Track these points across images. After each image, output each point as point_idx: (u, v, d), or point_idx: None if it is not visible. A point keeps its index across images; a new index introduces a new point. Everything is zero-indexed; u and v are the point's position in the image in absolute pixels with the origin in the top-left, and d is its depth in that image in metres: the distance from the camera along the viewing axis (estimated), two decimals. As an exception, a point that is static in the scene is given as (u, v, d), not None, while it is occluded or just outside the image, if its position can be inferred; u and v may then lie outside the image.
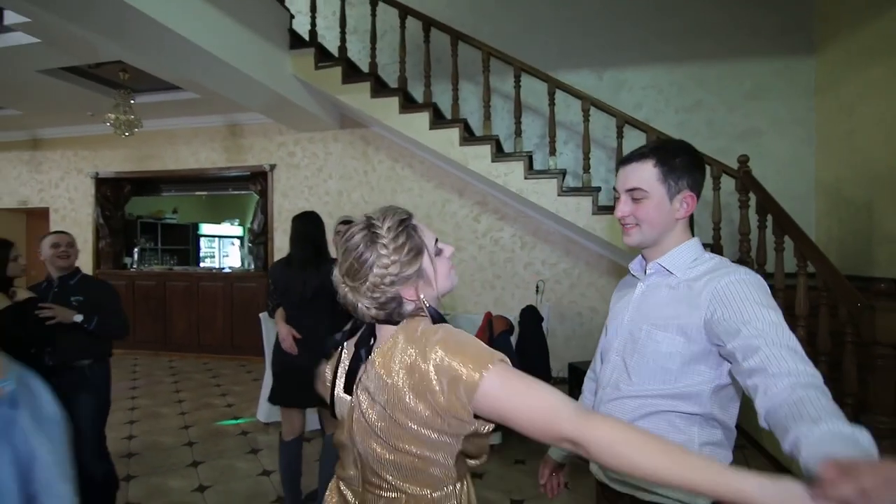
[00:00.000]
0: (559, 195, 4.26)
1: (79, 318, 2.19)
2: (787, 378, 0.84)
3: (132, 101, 5.00)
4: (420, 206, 5.49)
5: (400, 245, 0.89)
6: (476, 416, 0.83)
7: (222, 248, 9.30)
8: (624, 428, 0.73)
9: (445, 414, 0.82)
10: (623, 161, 1.14)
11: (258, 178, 6.09)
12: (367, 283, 0.88)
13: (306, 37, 4.69)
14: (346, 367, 0.95)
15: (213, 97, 5.22)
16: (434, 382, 0.81)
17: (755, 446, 3.51)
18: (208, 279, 6.35)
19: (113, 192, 6.67)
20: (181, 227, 8.45)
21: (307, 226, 2.62)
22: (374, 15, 4.62)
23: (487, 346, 0.85)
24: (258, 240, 6.14)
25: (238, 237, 9.60)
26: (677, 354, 1.02)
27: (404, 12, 4.49)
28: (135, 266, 6.92)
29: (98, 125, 6.40)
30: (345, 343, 1.00)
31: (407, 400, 0.84)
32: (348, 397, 0.94)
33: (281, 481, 2.55)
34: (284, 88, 4.56)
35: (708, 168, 3.88)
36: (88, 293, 2.34)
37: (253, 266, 6.36)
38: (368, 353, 0.93)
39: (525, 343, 3.97)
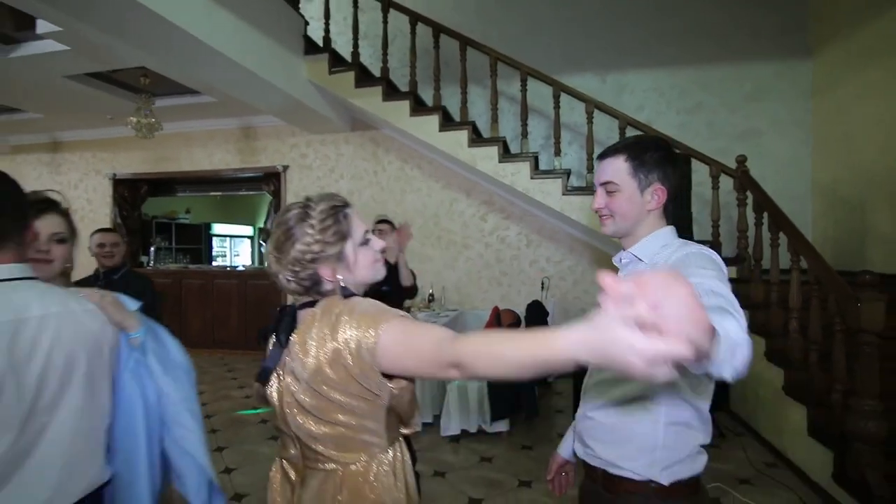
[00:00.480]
0: (564, 194, 4.42)
1: None
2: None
3: (153, 105, 5.19)
4: (428, 206, 5.68)
5: (326, 227, 0.97)
6: (387, 376, 0.89)
7: (233, 247, 9.51)
8: (483, 334, 0.78)
9: (361, 379, 0.89)
10: (599, 156, 1.20)
11: (271, 179, 6.29)
12: (290, 257, 0.96)
13: (320, 43, 4.87)
14: (266, 356, 1.01)
15: (228, 101, 5.41)
16: (344, 351, 0.88)
17: (751, 433, 3.66)
18: (223, 277, 6.55)
19: (130, 193, 6.88)
20: (194, 226, 8.66)
21: None
22: (385, 22, 4.80)
23: (389, 308, 0.91)
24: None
25: (248, 236, 9.82)
26: None
27: (415, 19, 4.67)
28: (151, 264, 7.13)
29: (116, 128, 6.62)
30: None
31: (327, 372, 0.90)
32: (275, 384, 1.00)
33: None
34: (299, 92, 4.75)
35: (707, 168, 4.06)
36: (129, 288, 2.51)
37: (266, 264, 6.55)
38: (288, 338, 0.97)
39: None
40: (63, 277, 1.48)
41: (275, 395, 1.01)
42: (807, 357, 3.03)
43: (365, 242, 1.03)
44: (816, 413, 2.89)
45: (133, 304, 1.38)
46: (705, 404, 1.10)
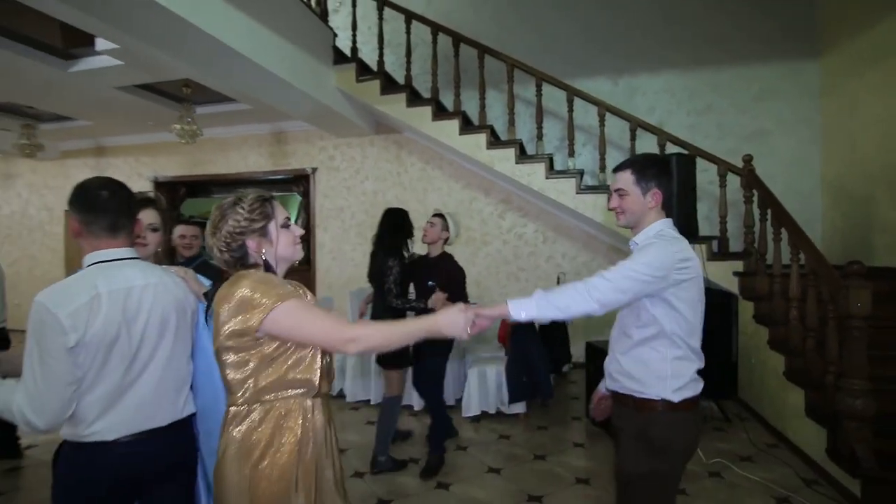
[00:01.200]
0: (577, 193, 4.68)
1: None
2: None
3: (194, 113, 5.60)
4: (449, 204, 5.97)
5: (252, 209, 1.26)
6: (269, 336, 1.17)
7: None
8: (373, 325, 1.26)
9: (244, 334, 1.16)
10: (614, 169, 1.65)
11: (301, 180, 6.67)
12: (223, 232, 1.24)
13: (348, 53, 5.21)
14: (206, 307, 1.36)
15: (261, 107, 5.80)
16: (237, 308, 1.15)
17: (756, 418, 3.87)
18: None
19: (169, 195, 7.34)
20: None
21: (382, 220, 3.06)
22: (408, 32, 5.11)
23: (288, 288, 1.22)
24: (301, 237, 6.70)
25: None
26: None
27: (436, 29, 4.98)
28: (188, 261, 7.58)
29: (157, 133, 7.09)
30: None
31: (227, 325, 1.16)
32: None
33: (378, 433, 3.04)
34: (329, 99, 5.09)
35: (715, 167, 4.28)
36: (205, 274, 2.86)
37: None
38: (210, 298, 1.30)
39: (547, 329, 4.40)
40: (154, 258, 1.83)
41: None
42: (805, 344, 3.24)
43: (286, 226, 1.33)
44: (813, 395, 3.10)
45: (206, 283, 1.73)
46: (696, 342, 1.53)
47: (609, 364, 1.64)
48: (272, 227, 1.29)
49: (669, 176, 1.61)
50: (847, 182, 4.68)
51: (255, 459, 1.18)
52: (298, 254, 1.39)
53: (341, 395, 4.31)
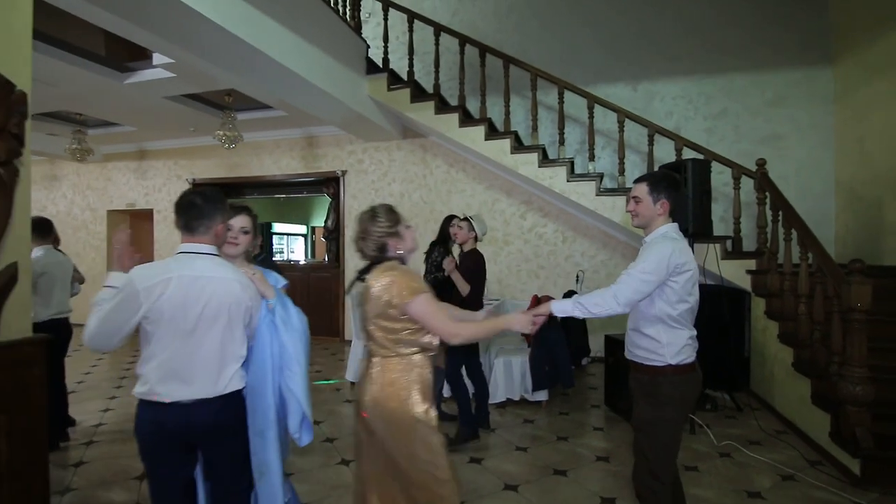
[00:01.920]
0: (597, 195, 4.94)
1: None
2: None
3: (235, 120, 5.99)
4: (472, 206, 6.27)
5: (387, 219, 1.78)
6: (404, 316, 1.65)
7: (290, 244, 10.40)
8: (468, 325, 1.81)
9: (390, 308, 1.64)
10: (634, 181, 2.05)
11: (331, 183, 7.03)
12: (373, 237, 1.77)
13: (380, 63, 5.54)
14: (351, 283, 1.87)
15: (295, 114, 6.17)
16: (392, 288, 1.64)
17: (767, 408, 4.10)
18: (287, 269, 7.33)
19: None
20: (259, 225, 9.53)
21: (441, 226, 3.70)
22: (437, 44, 5.43)
23: (424, 284, 1.69)
24: (331, 236, 7.07)
25: (303, 234, 10.70)
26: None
27: (463, 41, 5.29)
28: (223, 259, 8.01)
29: (195, 138, 7.52)
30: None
31: (377, 299, 1.66)
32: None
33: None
34: (361, 107, 5.43)
35: (729, 170, 4.51)
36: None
37: (326, 258, 7.30)
38: (364, 278, 1.76)
39: (568, 323, 4.68)
40: (245, 256, 2.15)
41: (364, 316, 1.77)
42: (811, 336, 3.47)
43: (407, 227, 1.85)
44: (818, 384, 3.33)
45: (281, 282, 2.06)
46: (688, 320, 1.93)
47: (627, 336, 2.04)
48: (401, 228, 1.80)
49: (678, 190, 1.97)
50: (858, 185, 4.87)
51: (403, 393, 1.66)
52: (416, 245, 1.89)
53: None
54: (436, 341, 1.73)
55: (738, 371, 4.56)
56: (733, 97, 5.54)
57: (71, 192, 8.65)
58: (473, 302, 3.31)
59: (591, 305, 1.83)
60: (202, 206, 1.71)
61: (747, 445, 3.36)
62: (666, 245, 1.84)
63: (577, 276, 5.68)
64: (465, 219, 3.56)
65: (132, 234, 1.90)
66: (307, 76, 4.47)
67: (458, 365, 3.45)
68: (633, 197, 1.97)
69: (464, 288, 3.31)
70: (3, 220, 2.07)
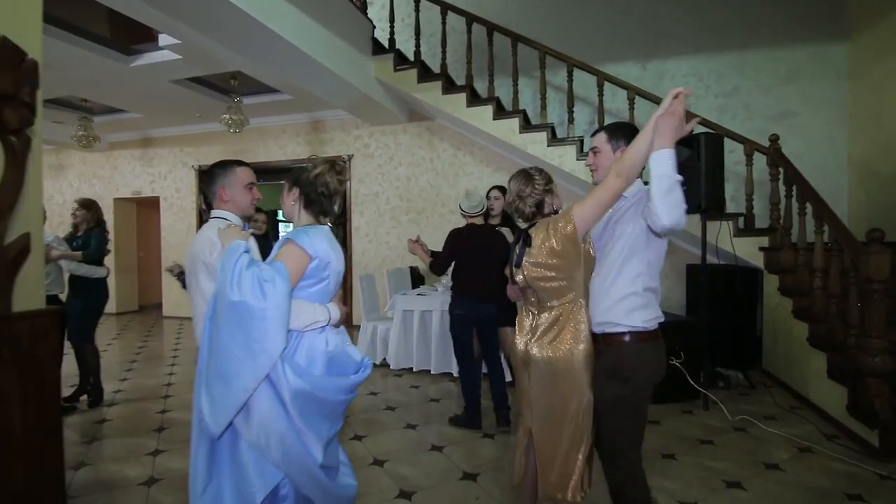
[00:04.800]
0: (607, 174, 4.88)
1: None
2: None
3: (241, 104, 5.95)
4: (479, 189, 6.19)
5: (543, 180, 1.81)
6: (578, 235, 1.60)
7: (296, 232, 10.41)
8: (620, 161, 1.60)
9: (566, 243, 1.61)
10: (591, 134, 1.97)
11: (337, 167, 6.98)
12: (531, 199, 1.79)
13: (385, 44, 5.49)
14: (517, 252, 1.80)
15: (301, 98, 6.13)
16: (556, 225, 1.64)
17: (780, 385, 4.07)
18: (295, 255, 7.33)
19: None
20: (263, 212, 9.54)
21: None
22: (444, 23, 5.36)
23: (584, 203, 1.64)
24: (338, 220, 7.05)
25: (308, 222, 10.72)
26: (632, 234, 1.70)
27: (471, 20, 5.22)
28: (230, 246, 7.99)
29: (200, 124, 7.49)
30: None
31: (548, 246, 1.66)
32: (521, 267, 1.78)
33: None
34: (368, 88, 5.38)
35: (740, 146, 4.45)
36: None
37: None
38: (527, 243, 1.75)
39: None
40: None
41: (522, 273, 1.76)
42: (827, 310, 3.43)
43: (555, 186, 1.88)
44: (834, 357, 3.30)
45: (250, 244, 1.88)
46: (656, 282, 1.73)
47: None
48: (553, 187, 1.85)
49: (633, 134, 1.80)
50: (873, 161, 4.80)
51: (580, 340, 1.64)
52: (562, 201, 1.92)
53: (385, 363, 4.64)
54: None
55: (751, 349, 4.54)
56: (745, 74, 5.45)
57: (77, 181, 8.66)
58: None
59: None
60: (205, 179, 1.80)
61: (762, 420, 3.34)
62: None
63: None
64: (498, 187, 3.76)
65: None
66: (315, 55, 4.43)
67: (470, 333, 3.30)
68: (592, 149, 1.86)
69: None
70: (16, 190, 2.05)
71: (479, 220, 3.40)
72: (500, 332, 3.30)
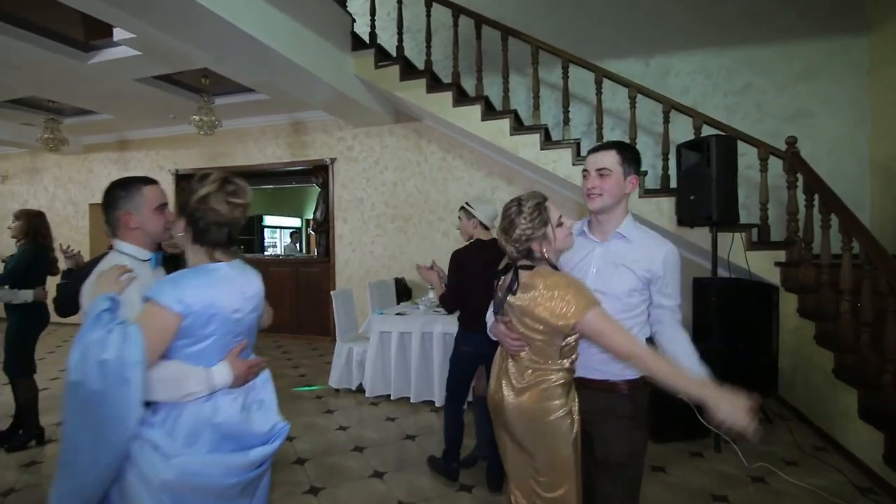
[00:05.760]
0: (606, 180, 4.44)
1: None
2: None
3: (213, 104, 5.54)
4: (470, 194, 5.79)
5: (533, 217, 1.43)
6: (573, 332, 1.39)
7: (283, 237, 9.96)
8: (657, 354, 1.39)
9: (556, 320, 1.36)
10: (593, 150, 1.64)
11: (319, 172, 6.57)
12: (513, 236, 1.45)
13: (366, 39, 5.07)
14: (500, 296, 1.55)
15: (280, 98, 5.71)
16: (557, 303, 1.36)
17: (799, 417, 3.63)
18: (276, 265, 6.93)
19: (190, 187, 7.33)
20: (248, 218, 9.10)
21: None
22: (428, 16, 4.94)
23: (591, 295, 1.38)
24: (321, 228, 6.63)
25: (297, 228, 10.25)
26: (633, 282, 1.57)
27: (457, 11, 4.79)
28: (210, 254, 7.58)
29: (176, 126, 7.08)
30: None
31: (536, 310, 1.40)
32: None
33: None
34: (347, 87, 4.96)
35: (755, 150, 4.01)
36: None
37: (316, 252, 6.86)
38: (514, 289, 1.49)
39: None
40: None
41: (504, 321, 1.54)
42: (858, 339, 2.99)
43: (560, 224, 1.48)
44: (867, 395, 2.86)
45: (124, 296, 1.33)
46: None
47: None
48: (549, 230, 1.46)
49: (640, 165, 1.67)
50: (899, 165, 4.35)
51: (561, 411, 1.43)
52: (572, 243, 1.57)
53: (361, 389, 4.21)
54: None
55: (766, 375, 4.09)
56: (757, 70, 5.00)
57: (52, 186, 8.27)
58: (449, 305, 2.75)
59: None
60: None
61: (783, 467, 2.90)
62: (672, 250, 1.59)
63: (585, 270, 5.21)
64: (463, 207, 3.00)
65: None
66: (284, 51, 4.02)
67: (474, 373, 2.79)
68: (599, 169, 1.57)
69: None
70: None
71: (486, 235, 2.80)
72: None
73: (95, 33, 4.48)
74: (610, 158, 1.56)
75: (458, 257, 2.70)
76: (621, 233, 1.60)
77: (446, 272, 2.72)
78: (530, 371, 1.46)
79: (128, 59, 4.67)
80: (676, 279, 1.59)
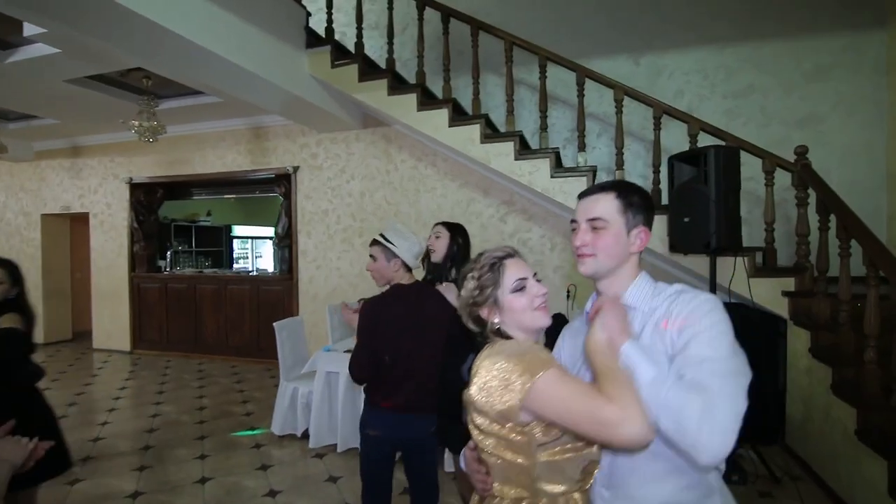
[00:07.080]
0: (589, 194, 3.91)
1: None
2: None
3: (155, 108, 5.01)
4: (443, 207, 5.26)
5: (482, 274, 1.13)
6: (528, 418, 0.96)
7: (255, 248, 9.40)
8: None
9: (496, 402, 0.97)
10: (583, 193, 1.17)
11: (282, 181, 6.03)
12: (461, 301, 1.17)
13: (322, 34, 4.53)
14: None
15: (235, 100, 5.17)
16: (498, 375, 0.98)
17: (811, 476, 3.09)
18: (236, 282, 6.37)
19: (147, 197, 6.80)
20: (215, 229, 8.56)
21: None
22: (390, 8, 4.40)
23: (544, 357, 1.01)
24: (283, 242, 6.08)
25: (270, 237, 9.71)
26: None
27: (422, 4, 4.25)
28: (168, 269, 7.04)
29: (131, 132, 6.53)
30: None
31: (477, 398, 1.01)
32: None
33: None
34: (301, 89, 4.42)
35: (760, 161, 3.47)
36: None
37: (279, 269, 6.30)
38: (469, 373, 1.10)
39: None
40: None
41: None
42: (889, 395, 2.45)
43: (519, 288, 1.11)
44: (903, 469, 2.31)
45: None
46: None
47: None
48: (500, 294, 1.13)
49: (653, 213, 1.18)
50: (925, 178, 3.82)
51: None
52: (540, 320, 1.13)
53: (305, 436, 3.66)
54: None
55: (770, 419, 3.56)
56: (761, 70, 4.46)
57: (3, 195, 7.71)
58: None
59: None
60: None
61: (797, 554, 2.35)
62: (707, 299, 1.05)
63: (568, 292, 4.69)
64: (443, 224, 2.55)
65: None
66: (222, 52, 3.51)
67: (390, 467, 2.08)
68: (591, 220, 1.11)
69: None
70: None
71: (408, 278, 2.10)
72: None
73: (4, 29, 3.93)
74: (606, 205, 1.11)
75: (368, 307, 2.01)
76: (629, 303, 1.11)
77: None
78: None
79: (48, 58, 4.14)
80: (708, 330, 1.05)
